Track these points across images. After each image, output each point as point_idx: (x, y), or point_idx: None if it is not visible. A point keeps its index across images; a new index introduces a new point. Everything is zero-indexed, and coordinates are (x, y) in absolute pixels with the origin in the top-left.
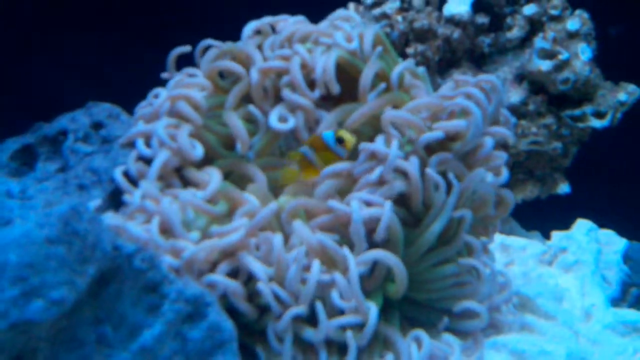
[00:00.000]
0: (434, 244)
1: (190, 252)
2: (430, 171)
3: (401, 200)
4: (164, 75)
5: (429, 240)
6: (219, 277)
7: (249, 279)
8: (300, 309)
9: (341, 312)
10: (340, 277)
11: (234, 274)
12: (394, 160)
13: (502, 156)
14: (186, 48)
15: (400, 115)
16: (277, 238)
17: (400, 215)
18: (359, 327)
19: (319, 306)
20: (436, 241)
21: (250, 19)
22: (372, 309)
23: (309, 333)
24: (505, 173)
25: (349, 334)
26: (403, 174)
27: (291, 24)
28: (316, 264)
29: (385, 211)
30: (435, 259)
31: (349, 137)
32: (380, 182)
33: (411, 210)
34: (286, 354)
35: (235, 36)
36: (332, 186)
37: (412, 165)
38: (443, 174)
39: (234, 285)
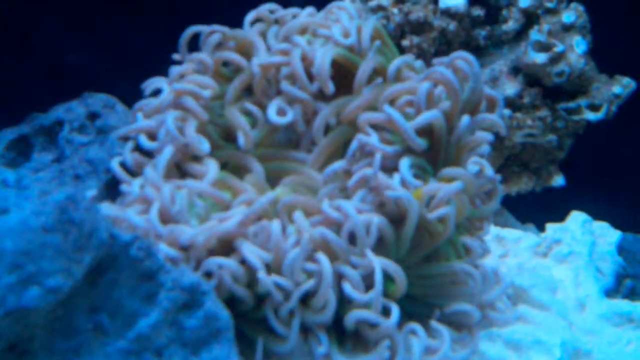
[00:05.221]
0: (424, 238)
1: (189, 236)
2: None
3: None
4: (176, 56)
5: (406, 239)
6: (217, 259)
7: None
8: (308, 285)
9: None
10: (351, 271)
11: None
12: (377, 168)
13: (487, 137)
14: (203, 27)
15: (372, 117)
16: (275, 225)
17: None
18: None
19: (331, 294)
20: (421, 238)
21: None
22: (394, 309)
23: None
24: (486, 148)
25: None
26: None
27: (303, 17)
28: (323, 257)
29: (375, 218)
30: (422, 252)
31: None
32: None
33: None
34: (294, 332)
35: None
36: (334, 188)
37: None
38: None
39: (233, 265)
